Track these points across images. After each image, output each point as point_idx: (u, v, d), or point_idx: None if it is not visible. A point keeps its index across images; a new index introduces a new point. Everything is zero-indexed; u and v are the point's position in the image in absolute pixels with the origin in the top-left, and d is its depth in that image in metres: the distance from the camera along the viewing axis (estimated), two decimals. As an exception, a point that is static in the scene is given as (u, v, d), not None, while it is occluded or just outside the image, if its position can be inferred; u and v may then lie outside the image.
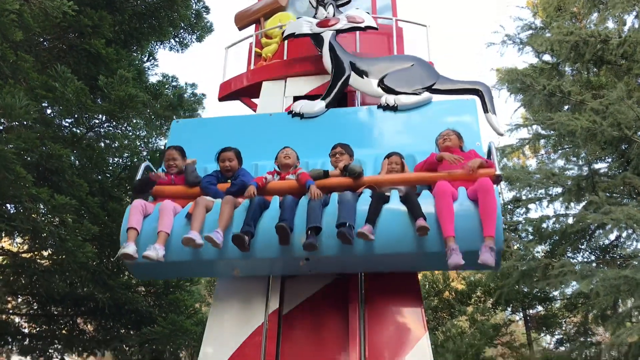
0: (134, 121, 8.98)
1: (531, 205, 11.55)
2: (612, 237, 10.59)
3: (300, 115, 5.76)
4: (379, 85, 5.81)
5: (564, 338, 11.97)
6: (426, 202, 4.22)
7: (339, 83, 5.88)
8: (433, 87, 5.74)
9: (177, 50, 11.55)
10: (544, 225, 10.97)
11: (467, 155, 4.75)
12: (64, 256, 7.52)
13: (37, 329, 9.60)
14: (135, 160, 9.60)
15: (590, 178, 9.87)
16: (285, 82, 6.54)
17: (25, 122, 6.91)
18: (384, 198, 4.35)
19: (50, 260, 8.69)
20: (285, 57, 6.76)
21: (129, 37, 10.25)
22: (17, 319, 9.85)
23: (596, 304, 8.16)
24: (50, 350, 9.86)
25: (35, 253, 8.87)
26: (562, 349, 11.55)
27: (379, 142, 5.47)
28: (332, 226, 4.17)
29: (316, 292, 5.07)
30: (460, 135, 5.00)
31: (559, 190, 10.81)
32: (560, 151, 11.69)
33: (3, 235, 7.87)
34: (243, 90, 6.88)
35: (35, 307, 9.62)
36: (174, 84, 10.63)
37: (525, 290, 10.81)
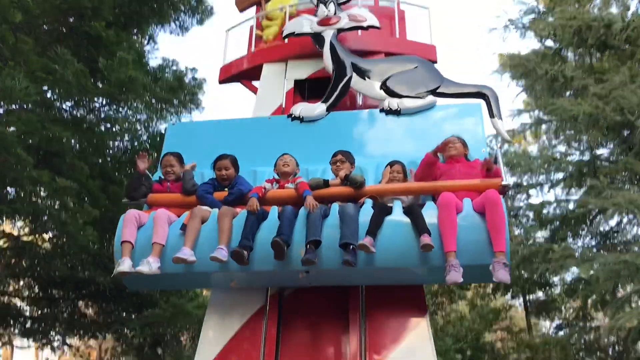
0: (135, 104, 8.93)
1: (532, 191, 11.53)
2: (613, 222, 10.59)
3: (300, 119, 5.57)
4: (381, 87, 5.62)
5: (563, 323, 12.01)
6: (430, 214, 4.09)
7: (341, 85, 5.68)
8: (437, 91, 5.54)
9: (178, 34, 11.46)
10: (545, 210, 10.98)
11: (473, 165, 4.60)
12: (65, 239, 7.55)
13: (39, 312, 9.65)
14: (136, 144, 9.58)
15: (592, 163, 9.84)
16: (286, 64, 6.47)
17: (25, 105, 6.89)
18: (386, 209, 4.23)
19: (51, 244, 8.72)
20: (286, 40, 6.67)
21: (129, 20, 10.17)
22: (18, 302, 9.89)
23: (596, 288, 8.18)
24: (52, 333, 9.93)
25: (37, 236, 8.89)
26: (561, 333, 11.60)
27: (381, 147, 5.28)
28: (333, 238, 4.07)
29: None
30: (466, 143, 4.81)
31: (560, 175, 10.80)
32: (561, 137, 11.65)
33: (4, 218, 7.88)
34: (243, 73, 6.83)
35: (37, 290, 9.67)
36: (174, 67, 10.57)
37: (526, 275, 10.81)
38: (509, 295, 13.19)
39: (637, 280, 7.44)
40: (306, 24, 6.09)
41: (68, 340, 10.57)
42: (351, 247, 3.95)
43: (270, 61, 6.57)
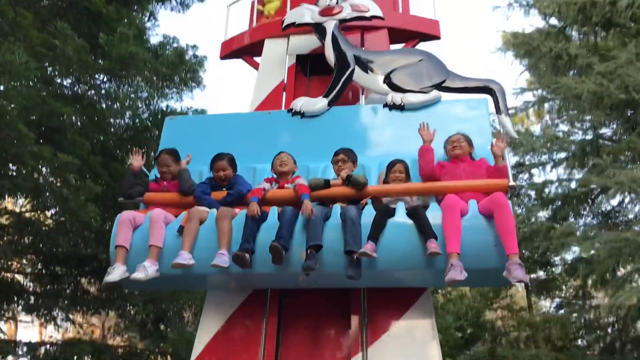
0: (136, 81, 8.88)
1: (534, 171, 11.51)
2: (615, 202, 10.59)
3: (301, 114, 5.46)
4: (384, 81, 5.47)
5: (564, 302, 12.07)
6: (434, 216, 4.03)
7: (343, 78, 5.53)
8: (443, 85, 5.40)
9: (179, 11, 11.36)
10: (547, 190, 10.97)
11: (478, 164, 4.53)
12: (67, 216, 7.56)
13: (42, 289, 9.71)
14: (137, 121, 9.56)
15: (595, 142, 9.80)
16: (288, 39, 6.41)
17: (25, 81, 6.85)
18: (388, 211, 4.18)
19: (53, 220, 8.74)
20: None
21: (130, -4, 10.08)
22: (21, 279, 9.95)
23: (597, 267, 8.20)
24: (55, 310, 10.00)
25: (39, 213, 8.92)
26: (562, 312, 11.66)
27: (384, 144, 5.17)
28: (334, 241, 4.03)
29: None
30: (471, 142, 4.68)
31: (563, 155, 10.77)
32: (564, 116, 11.59)
33: (6, 195, 7.90)
34: (245, 49, 6.77)
35: (40, 267, 9.71)
36: (175, 45, 10.49)
37: (527, 254, 10.84)
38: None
39: (638, 259, 7.46)
40: (307, 14, 5.95)
41: (71, 317, 10.64)
42: (355, 257, 3.92)
43: (271, 36, 6.51)
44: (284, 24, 6.11)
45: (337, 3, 5.95)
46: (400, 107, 5.30)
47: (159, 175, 4.85)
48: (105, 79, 8.76)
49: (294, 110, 5.50)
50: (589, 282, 10.05)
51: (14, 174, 7.15)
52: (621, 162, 9.83)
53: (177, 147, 4.97)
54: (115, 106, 9.03)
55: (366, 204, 4.37)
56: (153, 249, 4.16)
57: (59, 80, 8.58)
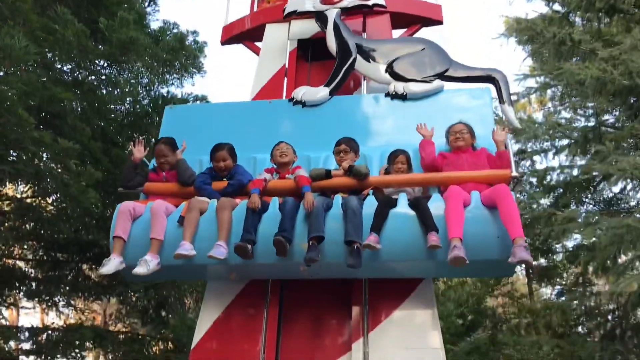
0: (136, 66, 8.83)
1: (536, 158, 11.48)
2: (617, 189, 10.56)
3: (302, 103, 5.44)
4: (386, 70, 5.45)
5: (564, 289, 12.09)
6: (436, 207, 4.02)
7: (344, 67, 5.50)
8: (445, 74, 5.37)
9: (179, -4, 11.30)
10: (548, 177, 10.94)
11: (478, 154, 4.53)
12: (68, 202, 7.54)
13: (43, 275, 9.72)
14: (138, 107, 9.52)
15: (597, 129, 9.75)
16: (290, 24, 6.37)
17: (25, 65, 6.81)
18: (390, 202, 4.17)
19: (54, 206, 8.73)
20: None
21: (130, -20, 9.99)
22: (22, 265, 9.96)
23: (598, 254, 8.18)
24: (57, 296, 10.02)
25: (40, 199, 8.90)
26: (562, 299, 11.68)
27: (386, 133, 5.17)
28: (336, 232, 4.04)
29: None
30: (473, 132, 4.67)
31: (565, 142, 10.72)
32: (567, 103, 11.53)
33: (7, 181, 7.88)
34: (246, 34, 6.75)
35: (41, 253, 9.72)
36: (175, 30, 10.42)
37: (528, 241, 10.83)
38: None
39: (640, 245, 7.44)
40: (308, 2, 5.93)
41: (72, 303, 10.67)
42: (355, 246, 3.90)
43: (273, 21, 6.48)
44: (285, 12, 6.07)
45: (339, -9, 5.85)
46: (403, 97, 5.28)
47: (157, 167, 4.84)
48: (105, 65, 8.70)
49: (295, 100, 5.48)
50: (590, 269, 10.04)
51: (15, 159, 7.12)
52: (624, 149, 9.79)
53: (176, 136, 4.95)
54: (115, 92, 8.99)
55: (368, 194, 4.36)
56: (154, 242, 4.16)
57: (59, 66, 8.53)
